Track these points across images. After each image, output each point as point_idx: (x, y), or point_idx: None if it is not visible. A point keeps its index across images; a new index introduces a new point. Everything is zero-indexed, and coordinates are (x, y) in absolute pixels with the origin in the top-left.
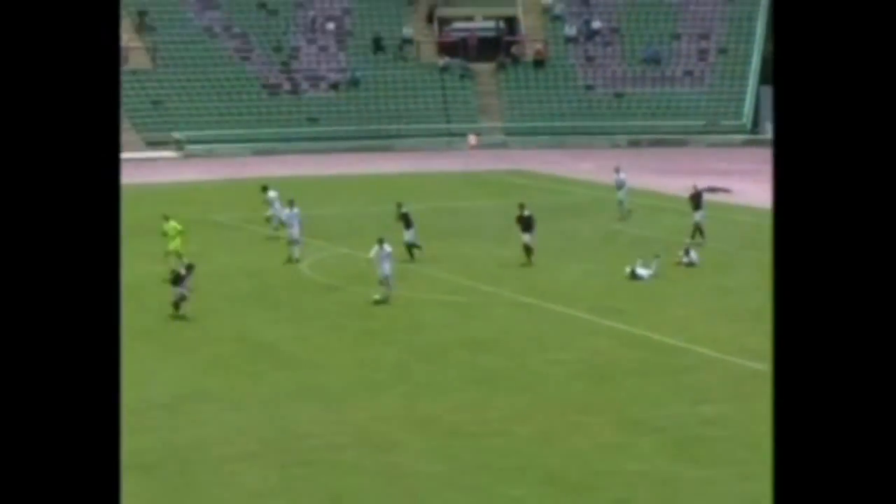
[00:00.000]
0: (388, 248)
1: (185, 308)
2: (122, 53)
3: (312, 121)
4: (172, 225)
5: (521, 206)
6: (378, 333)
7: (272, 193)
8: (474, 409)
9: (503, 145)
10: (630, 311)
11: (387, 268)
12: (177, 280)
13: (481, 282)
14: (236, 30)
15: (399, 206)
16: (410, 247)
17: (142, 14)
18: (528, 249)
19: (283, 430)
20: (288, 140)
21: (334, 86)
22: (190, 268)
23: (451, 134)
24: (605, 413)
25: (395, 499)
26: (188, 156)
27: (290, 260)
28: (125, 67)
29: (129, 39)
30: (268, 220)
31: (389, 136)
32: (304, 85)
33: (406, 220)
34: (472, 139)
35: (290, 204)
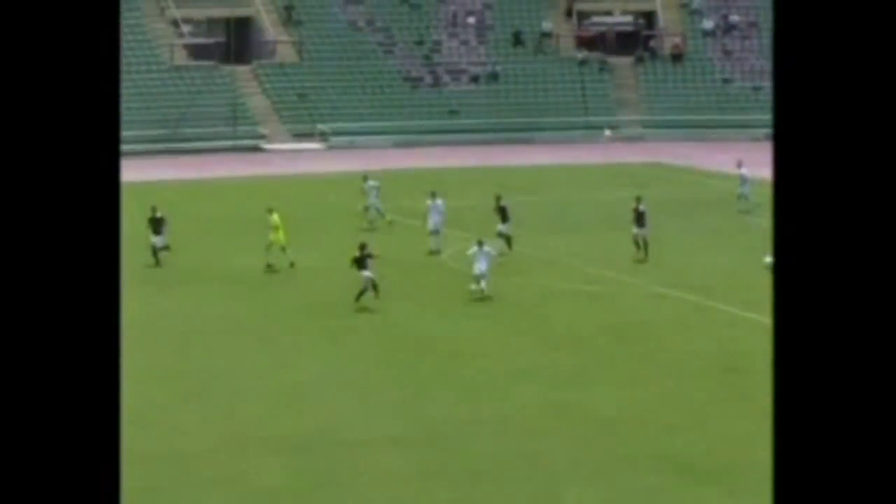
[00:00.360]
0: (487, 248)
1: (365, 298)
2: (269, 47)
3: (453, 113)
4: (274, 218)
5: (638, 200)
6: (518, 322)
7: (371, 183)
8: (615, 398)
9: (640, 138)
10: (766, 301)
11: (483, 266)
12: (362, 263)
13: (619, 272)
14: (380, 24)
15: (498, 198)
16: (507, 238)
17: (288, 9)
18: (638, 243)
19: (423, 415)
20: (429, 132)
21: (475, 79)
22: (363, 247)
23: (590, 127)
24: (741, 403)
25: (532, 484)
26: (332, 147)
27: (431, 251)
28: (272, 60)
29: (276, 33)
30: (366, 209)
31: (528, 129)
32: (446, 78)
33: (503, 213)
34: (607, 133)
35: (433, 196)
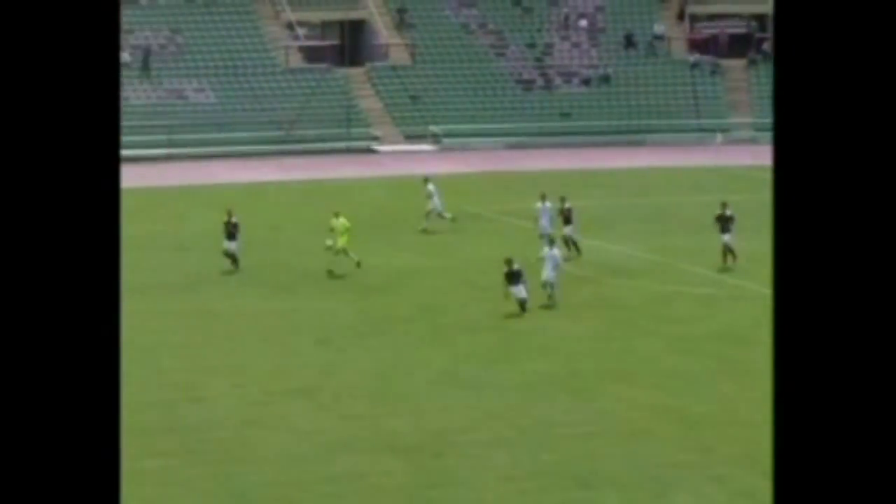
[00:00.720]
0: (556, 251)
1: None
2: (383, 50)
3: (565, 115)
4: (342, 222)
5: (724, 205)
6: (629, 324)
7: (431, 186)
8: (723, 400)
9: (752, 141)
10: None
11: (551, 273)
12: (513, 278)
13: (729, 275)
14: (492, 27)
15: (562, 200)
16: (570, 242)
17: (401, 12)
18: (726, 251)
19: (535, 416)
20: (541, 134)
21: (586, 81)
22: (510, 262)
23: (702, 129)
24: None
25: (643, 486)
26: (444, 149)
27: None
28: (385, 63)
29: (389, 36)
30: (427, 214)
31: (640, 131)
32: (557, 80)
33: (566, 216)
34: (718, 139)
35: (542, 198)
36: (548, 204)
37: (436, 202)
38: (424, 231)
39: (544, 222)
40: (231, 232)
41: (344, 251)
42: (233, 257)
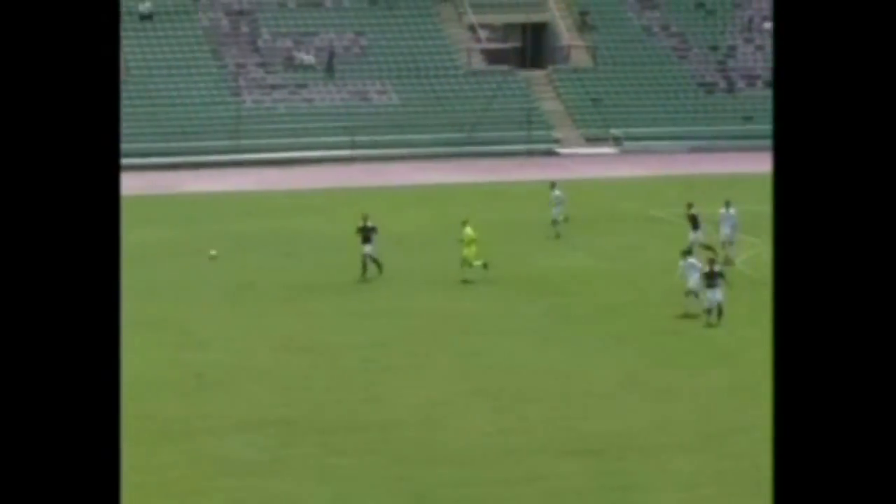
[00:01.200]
0: (691, 260)
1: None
2: (564, 52)
3: (747, 119)
4: (468, 231)
5: None
6: None
7: (558, 192)
8: None
9: None
10: None
11: (693, 281)
12: (711, 279)
13: None
14: (674, 29)
15: (689, 206)
16: (703, 247)
17: (583, 14)
18: None
19: (718, 422)
20: (723, 138)
21: (770, 84)
22: (713, 262)
23: None
24: None
25: None
26: (625, 152)
27: (725, 261)
28: (567, 65)
29: (570, 39)
30: (554, 222)
31: None
32: (740, 83)
33: (694, 221)
34: None
35: (727, 205)
36: (731, 210)
37: (557, 209)
38: (557, 237)
39: (726, 230)
40: (367, 236)
41: (468, 262)
42: (374, 261)
